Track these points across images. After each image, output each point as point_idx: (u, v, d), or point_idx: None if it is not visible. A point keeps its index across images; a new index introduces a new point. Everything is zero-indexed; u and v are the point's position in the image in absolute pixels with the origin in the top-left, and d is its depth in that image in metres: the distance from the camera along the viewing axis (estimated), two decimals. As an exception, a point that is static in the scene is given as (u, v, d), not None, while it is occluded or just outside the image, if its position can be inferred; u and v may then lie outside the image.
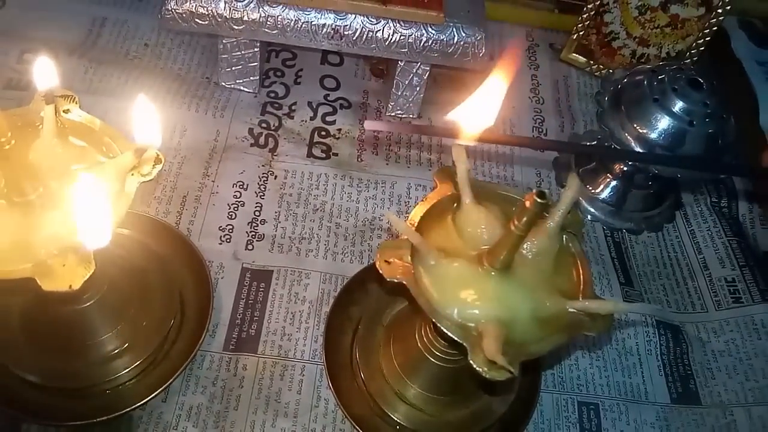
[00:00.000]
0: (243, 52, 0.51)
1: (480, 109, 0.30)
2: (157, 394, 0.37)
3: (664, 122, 0.44)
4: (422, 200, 0.32)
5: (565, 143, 0.40)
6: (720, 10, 0.54)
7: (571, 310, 0.29)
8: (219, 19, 0.46)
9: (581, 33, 0.60)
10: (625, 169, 0.50)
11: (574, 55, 0.61)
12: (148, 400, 0.37)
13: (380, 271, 0.29)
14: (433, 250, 0.30)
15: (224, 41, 0.50)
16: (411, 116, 0.54)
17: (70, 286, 0.25)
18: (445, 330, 0.28)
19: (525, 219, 0.27)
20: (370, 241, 0.47)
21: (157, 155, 0.30)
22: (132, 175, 0.29)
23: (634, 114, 0.46)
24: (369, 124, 0.28)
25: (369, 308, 0.42)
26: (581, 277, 0.31)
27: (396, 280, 0.29)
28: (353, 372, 0.40)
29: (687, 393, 0.43)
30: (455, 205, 0.32)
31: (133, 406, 0.36)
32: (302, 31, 0.47)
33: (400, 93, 0.53)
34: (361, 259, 0.45)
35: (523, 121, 0.56)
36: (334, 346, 0.41)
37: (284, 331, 0.42)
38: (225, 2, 0.45)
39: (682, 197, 0.53)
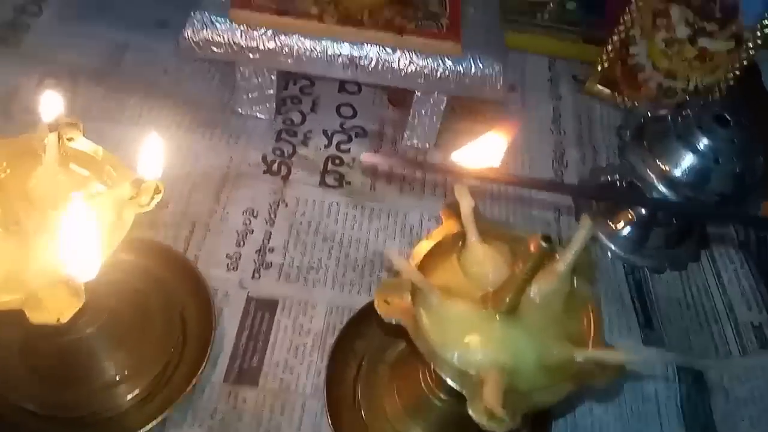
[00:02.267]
0: (260, 79, 0.51)
1: (485, 150, 0.29)
2: (156, 424, 0.36)
3: (688, 159, 0.43)
4: (426, 237, 0.31)
5: (567, 185, 0.39)
6: (750, 44, 0.52)
7: (579, 359, 0.27)
8: (235, 48, 0.46)
9: (606, 65, 0.59)
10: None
11: (599, 87, 0.60)
12: (147, 430, 0.36)
13: (378, 312, 0.28)
14: (435, 290, 0.29)
15: (241, 69, 0.50)
16: (427, 145, 0.53)
17: (59, 319, 0.24)
18: (443, 376, 0.27)
19: (530, 263, 0.25)
20: (380, 272, 0.46)
21: (157, 185, 0.30)
22: (130, 205, 0.29)
23: (657, 150, 0.44)
24: (366, 157, 0.27)
25: (374, 343, 0.41)
26: (592, 322, 0.29)
27: (394, 322, 0.28)
28: (355, 409, 0.39)
29: (709, 446, 0.40)
30: (461, 243, 0.31)
31: (131, 435, 0.35)
32: (318, 60, 0.46)
33: (416, 122, 0.52)
34: (369, 291, 0.44)
35: (544, 153, 0.55)
36: (336, 382, 0.39)
37: (287, 363, 0.41)
38: (241, 31, 0.45)
39: (708, 234, 0.51)
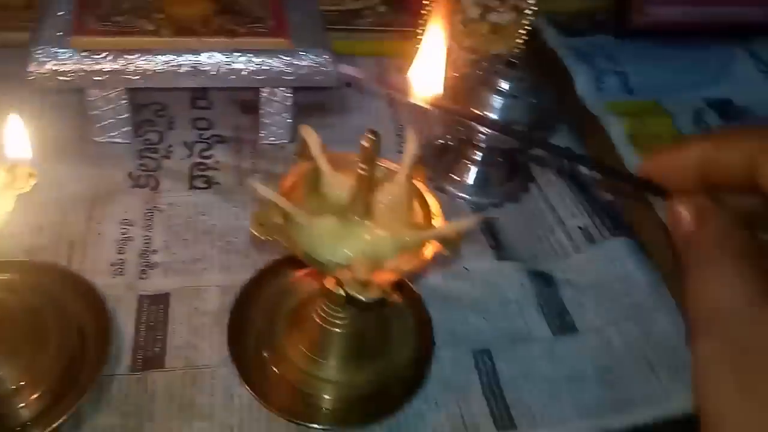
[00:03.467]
0: (111, 105, 0.54)
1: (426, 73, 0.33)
2: (63, 421, 0.37)
3: (495, 101, 0.51)
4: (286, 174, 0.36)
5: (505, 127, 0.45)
6: (528, 12, 0.64)
7: (427, 238, 0.34)
8: (82, 74, 0.49)
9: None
10: (478, 152, 0.57)
11: (421, 71, 0.69)
12: (52, 429, 0.37)
13: (254, 233, 0.32)
14: (300, 211, 0.34)
15: (90, 98, 0.53)
16: (284, 141, 0.59)
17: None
18: (320, 271, 0.32)
19: (367, 157, 0.31)
20: (263, 251, 0.49)
21: (30, 171, 0.32)
22: (8, 190, 0.31)
23: (473, 102, 0.53)
24: (344, 69, 0.30)
25: (267, 307, 0.44)
26: (432, 212, 0.35)
27: (271, 238, 0.32)
28: (264, 367, 0.42)
29: (564, 325, 0.48)
30: (317, 175, 0.36)
31: (40, 436, 0.36)
32: (164, 74, 0.51)
33: (269, 122, 0.58)
34: (255, 268, 0.48)
35: (387, 131, 0.62)
36: (241, 347, 0.43)
37: (189, 343, 0.43)
38: (83, 56, 0.49)
39: (531, 170, 0.60)
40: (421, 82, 0.31)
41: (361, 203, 0.33)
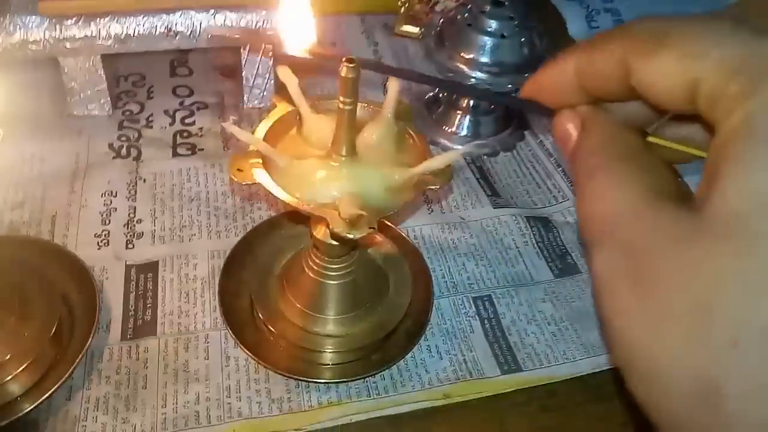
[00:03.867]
0: (87, 77, 0.52)
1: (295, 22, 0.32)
2: (52, 392, 0.36)
3: (481, 41, 0.50)
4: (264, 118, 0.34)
5: (407, 71, 0.43)
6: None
7: (416, 173, 0.32)
8: (52, 42, 0.47)
9: (406, 5, 0.66)
10: (470, 101, 0.55)
11: (406, 27, 0.67)
12: (44, 400, 0.36)
13: (234, 179, 0.31)
14: (282, 154, 0.32)
15: (66, 70, 0.51)
16: (268, 104, 0.57)
17: None
18: (306, 212, 0.30)
19: (347, 89, 0.29)
20: (252, 213, 0.48)
21: (-5, 128, 0.31)
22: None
23: (457, 44, 0.51)
24: (214, 31, 0.29)
25: (258, 267, 0.43)
26: (420, 149, 0.34)
27: (251, 182, 0.31)
28: (258, 326, 0.41)
29: (566, 267, 0.46)
30: (298, 118, 0.35)
31: (29, 408, 0.35)
32: (138, 37, 0.49)
33: (251, 85, 0.56)
34: (245, 231, 0.46)
35: (373, 84, 0.60)
36: (232, 309, 0.41)
37: (180, 309, 0.42)
38: (53, 23, 0.47)
39: (526, 118, 0.58)
40: (292, 33, 0.30)
41: (345, 141, 0.32)
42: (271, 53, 0.53)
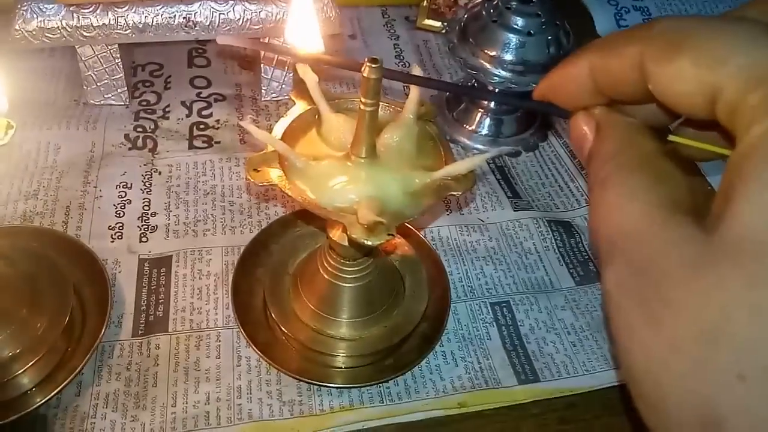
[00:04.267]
0: (104, 65, 0.51)
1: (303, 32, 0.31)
2: (63, 387, 0.36)
3: (506, 38, 0.48)
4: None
5: (417, 77, 0.42)
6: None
7: (437, 177, 0.31)
8: (69, 30, 0.47)
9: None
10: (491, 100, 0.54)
11: (428, 21, 0.66)
12: (53, 395, 0.35)
13: (250, 180, 0.30)
14: (298, 155, 0.31)
15: (83, 58, 0.50)
16: (286, 97, 0.56)
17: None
18: (323, 216, 0.29)
19: (369, 90, 0.28)
20: (267, 210, 0.47)
21: (8, 122, 0.30)
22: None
23: (480, 40, 0.49)
24: (221, 39, 0.29)
25: (272, 265, 0.42)
26: (442, 153, 0.33)
27: (268, 184, 0.30)
28: (270, 326, 0.40)
29: (588, 274, 0.45)
30: (317, 117, 0.34)
31: (39, 402, 0.35)
32: (156, 27, 0.48)
33: (270, 77, 0.55)
34: (260, 228, 0.46)
35: (394, 81, 0.59)
36: (245, 308, 0.41)
37: (193, 306, 0.41)
38: (71, 11, 0.46)
39: (550, 118, 0.57)
40: (301, 42, 0.30)
41: (365, 142, 0.31)
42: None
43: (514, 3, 0.48)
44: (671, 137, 0.25)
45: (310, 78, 0.33)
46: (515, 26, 0.48)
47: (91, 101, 0.53)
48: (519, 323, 0.42)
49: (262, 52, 0.53)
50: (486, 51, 0.49)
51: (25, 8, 0.46)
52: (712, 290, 0.17)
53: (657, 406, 0.18)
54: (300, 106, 0.34)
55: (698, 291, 0.17)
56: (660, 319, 0.18)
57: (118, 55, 0.51)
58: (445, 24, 0.64)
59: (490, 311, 0.42)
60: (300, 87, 0.34)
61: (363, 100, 0.29)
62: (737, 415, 0.17)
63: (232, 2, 0.48)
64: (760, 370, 0.16)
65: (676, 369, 0.18)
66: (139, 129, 0.52)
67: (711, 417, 0.17)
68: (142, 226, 0.45)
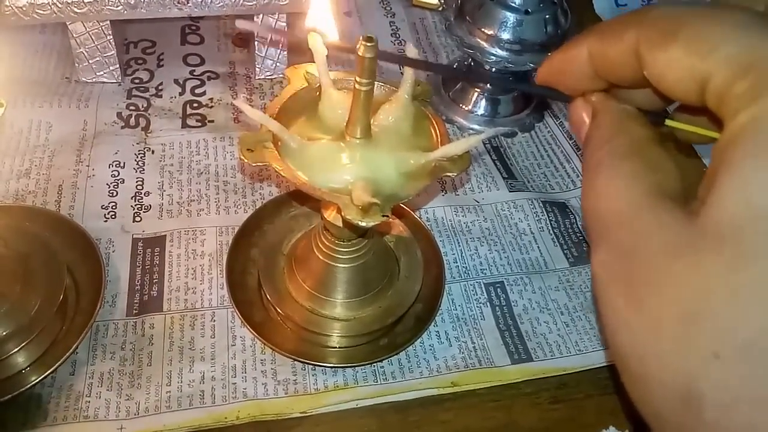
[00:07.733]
0: (96, 42, 0.50)
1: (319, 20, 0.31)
2: (57, 366, 0.36)
3: (503, 17, 0.48)
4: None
5: (418, 60, 0.41)
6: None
7: (432, 158, 0.31)
8: (60, 6, 0.46)
9: (425, -24, 0.64)
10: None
11: (424, -2, 0.65)
12: (48, 374, 0.35)
13: (243, 160, 0.29)
14: (291, 134, 0.31)
15: (75, 35, 0.49)
16: (280, 75, 0.55)
17: None
18: (318, 197, 0.29)
19: (364, 70, 0.28)
20: (261, 190, 0.47)
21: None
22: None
23: (477, 19, 0.49)
24: (240, 24, 0.30)
25: (266, 246, 0.42)
26: (437, 133, 0.32)
27: (261, 164, 0.29)
28: (265, 306, 0.40)
29: (581, 255, 0.45)
30: (318, 93, 0.33)
31: (34, 381, 0.35)
32: (148, 2, 0.47)
33: (264, 55, 0.54)
34: (254, 207, 0.46)
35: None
36: (240, 287, 0.41)
37: (187, 286, 0.41)
38: (61, -14, 0.45)
39: (546, 98, 0.57)
40: (318, 30, 0.30)
41: (360, 123, 0.30)
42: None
43: (511, -20, 0.48)
44: (668, 122, 0.25)
45: (320, 51, 0.32)
46: (513, 4, 0.47)
47: (83, 79, 0.52)
48: (513, 303, 0.42)
49: (257, 30, 0.52)
50: (483, 29, 0.49)
51: (13, -17, 0.45)
52: (692, 273, 0.18)
53: (641, 382, 0.19)
54: (294, 85, 0.33)
55: (679, 273, 0.18)
56: (643, 300, 0.19)
57: (110, 32, 0.50)
58: (442, 2, 0.64)
59: (484, 291, 0.42)
60: (295, 66, 0.34)
61: (358, 79, 0.29)
62: (714, 391, 0.17)
63: (226, -22, 0.48)
64: (737, 350, 0.17)
65: (659, 348, 0.18)
66: (132, 107, 0.51)
67: (691, 393, 0.18)
68: (136, 205, 0.45)
